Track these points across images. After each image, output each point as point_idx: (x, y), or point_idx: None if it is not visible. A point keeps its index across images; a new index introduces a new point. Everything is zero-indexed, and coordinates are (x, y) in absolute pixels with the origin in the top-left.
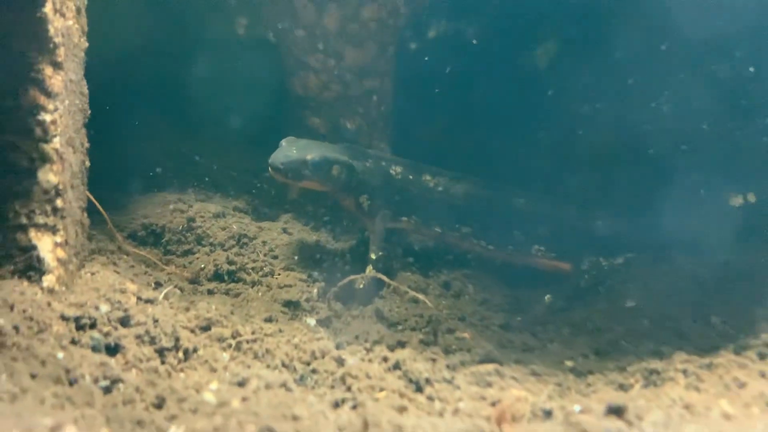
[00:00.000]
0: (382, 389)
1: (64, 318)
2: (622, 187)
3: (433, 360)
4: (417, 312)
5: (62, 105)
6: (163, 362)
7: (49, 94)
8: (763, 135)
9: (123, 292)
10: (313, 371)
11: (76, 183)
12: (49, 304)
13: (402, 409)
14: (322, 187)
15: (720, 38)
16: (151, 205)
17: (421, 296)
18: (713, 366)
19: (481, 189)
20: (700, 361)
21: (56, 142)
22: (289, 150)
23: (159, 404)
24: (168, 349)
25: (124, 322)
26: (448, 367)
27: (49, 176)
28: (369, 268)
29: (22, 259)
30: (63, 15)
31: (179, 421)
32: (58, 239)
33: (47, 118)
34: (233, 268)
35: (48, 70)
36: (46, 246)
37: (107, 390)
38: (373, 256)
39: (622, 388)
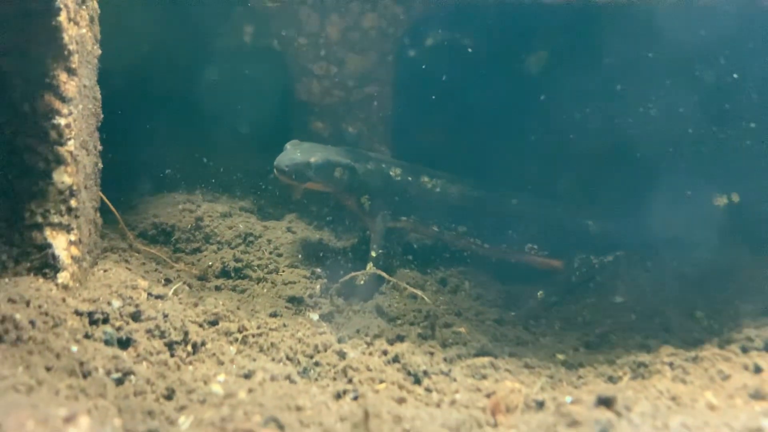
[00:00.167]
0: (382, 381)
1: (78, 313)
2: (611, 188)
3: (431, 353)
4: (415, 307)
5: (76, 109)
6: (172, 355)
7: (63, 99)
8: (746, 138)
9: (134, 288)
10: (316, 364)
11: (90, 184)
12: (63, 300)
13: (401, 401)
14: (325, 188)
15: (704, 46)
16: (161, 205)
17: (419, 292)
18: (698, 359)
19: (477, 190)
20: (686, 354)
21: (70, 144)
22: (294, 153)
23: (169, 395)
24: (177, 343)
25: (136, 317)
26: (445, 360)
27: (63, 177)
28: (369, 265)
29: (37, 257)
30: (77, 23)
31: (188, 412)
32: (73, 238)
33: (62, 121)
34: (240, 265)
35: (63, 76)
36: (60, 244)
37: (119, 382)
38: (373, 254)
39: (612, 380)
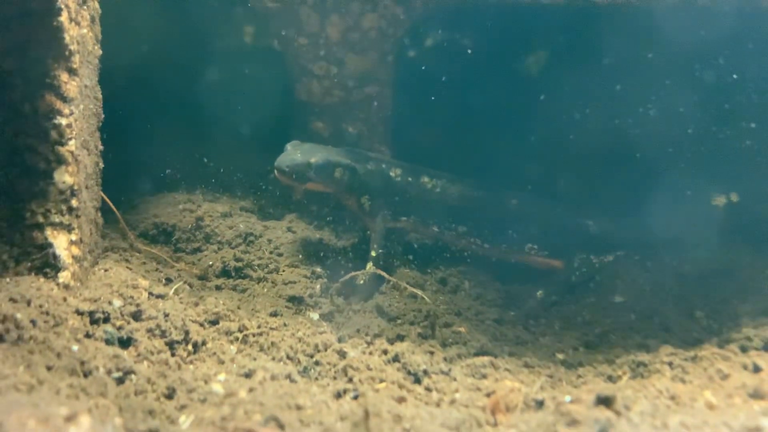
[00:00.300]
0: (382, 380)
1: (78, 312)
2: (611, 188)
3: (431, 353)
4: (415, 307)
5: (77, 109)
6: (173, 354)
7: (64, 99)
8: (745, 138)
9: (135, 287)
10: (316, 363)
11: (91, 184)
12: (64, 299)
13: (401, 400)
14: (325, 189)
15: (704, 46)
16: (161, 205)
17: (419, 292)
18: (697, 358)
19: (477, 190)
20: (685, 353)
21: (71, 144)
22: (294, 154)
23: (169, 394)
24: (178, 342)
25: (136, 316)
26: (445, 359)
27: (64, 177)
28: (369, 265)
29: (38, 257)
30: (78, 24)
31: (189, 411)
32: (73, 237)
33: (63, 121)
34: (240, 265)
35: (64, 76)
36: (61, 244)
37: (120, 381)
38: (373, 254)
39: (611, 379)
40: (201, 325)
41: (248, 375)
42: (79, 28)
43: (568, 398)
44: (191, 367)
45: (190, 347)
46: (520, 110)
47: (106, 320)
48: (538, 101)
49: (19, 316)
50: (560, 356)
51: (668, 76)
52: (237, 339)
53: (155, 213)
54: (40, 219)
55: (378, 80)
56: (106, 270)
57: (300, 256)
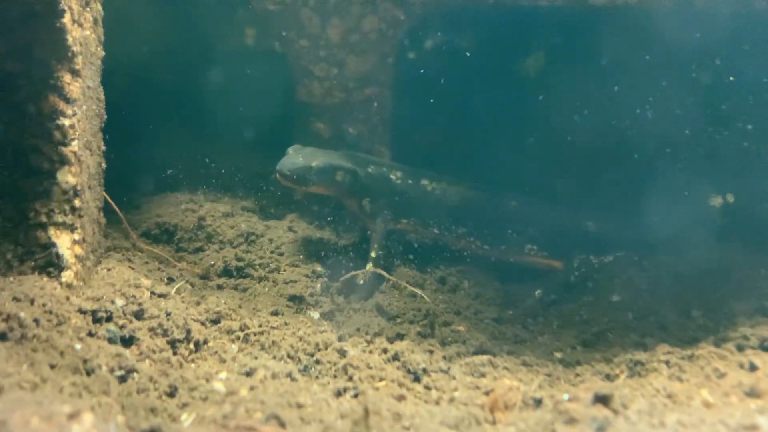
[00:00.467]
0: (382, 379)
1: (81, 311)
2: (609, 189)
3: (430, 351)
4: (415, 306)
5: (80, 110)
6: (175, 353)
7: (67, 100)
8: (742, 140)
9: (137, 287)
10: (317, 362)
11: (93, 184)
12: (67, 299)
13: (401, 398)
14: (327, 191)
15: (700, 47)
16: (164, 205)
17: (418, 291)
18: (694, 357)
19: (476, 192)
20: (682, 352)
21: (74, 145)
22: (296, 157)
23: (171, 393)
24: (180, 341)
25: (139, 315)
26: (444, 358)
27: (67, 177)
28: (369, 265)
29: (42, 256)
30: (81, 25)
31: (190, 409)
32: (76, 237)
33: (66, 122)
34: (241, 264)
35: (67, 77)
36: (64, 243)
37: (122, 379)
38: (373, 255)
39: (609, 378)
40: (203, 324)
41: (249, 373)
42: (81, 29)
43: (566, 396)
44: (193, 365)
45: (191, 346)
46: (519, 111)
47: (109, 319)
48: (537, 102)
49: (22, 314)
50: (558, 355)
51: (665, 77)
52: (238, 338)
53: (157, 213)
54: (44, 219)
55: (378, 81)
56: (108, 269)
57: (301, 256)
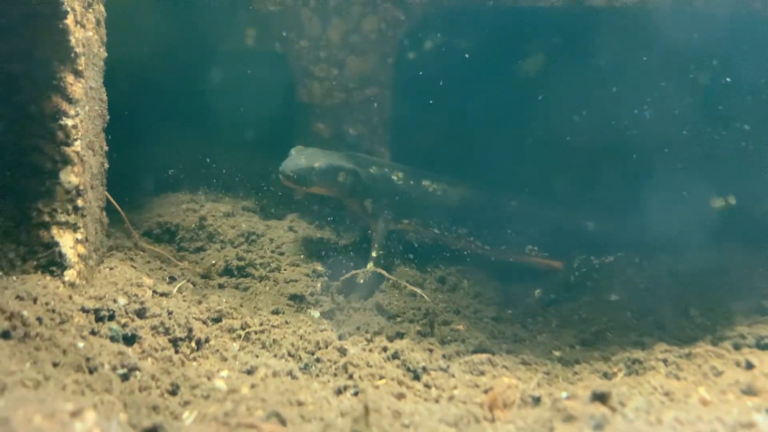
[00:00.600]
0: (381, 377)
1: (84, 310)
2: (609, 189)
3: (430, 350)
4: (415, 305)
5: (83, 110)
6: (177, 351)
7: (70, 101)
8: (740, 140)
9: (139, 286)
10: (317, 360)
11: (96, 184)
12: (70, 297)
13: (401, 396)
14: (328, 192)
15: (699, 48)
16: (165, 205)
17: (418, 290)
18: (692, 356)
19: (477, 192)
20: (680, 351)
21: (77, 145)
22: (298, 158)
23: (173, 391)
24: (181, 339)
25: (141, 314)
26: (443, 356)
27: (70, 177)
28: (370, 265)
29: (45, 255)
30: (83, 26)
31: (192, 407)
32: (79, 236)
33: (69, 122)
34: (242, 263)
35: (69, 78)
36: (67, 242)
37: (125, 377)
38: (374, 254)
39: (607, 376)
40: (204, 322)
41: (250, 372)
42: (84, 30)
43: (564, 394)
44: (194, 363)
45: (193, 344)
46: (519, 112)
47: (111, 318)
48: (536, 103)
49: (25, 313)
50: (557, 353)
51: (664, 78)
52: (239, 336)
53: (159, 213)
54: (47, 218)
55: (378, 82)
56: (111, 268)
57: (301, 255)
